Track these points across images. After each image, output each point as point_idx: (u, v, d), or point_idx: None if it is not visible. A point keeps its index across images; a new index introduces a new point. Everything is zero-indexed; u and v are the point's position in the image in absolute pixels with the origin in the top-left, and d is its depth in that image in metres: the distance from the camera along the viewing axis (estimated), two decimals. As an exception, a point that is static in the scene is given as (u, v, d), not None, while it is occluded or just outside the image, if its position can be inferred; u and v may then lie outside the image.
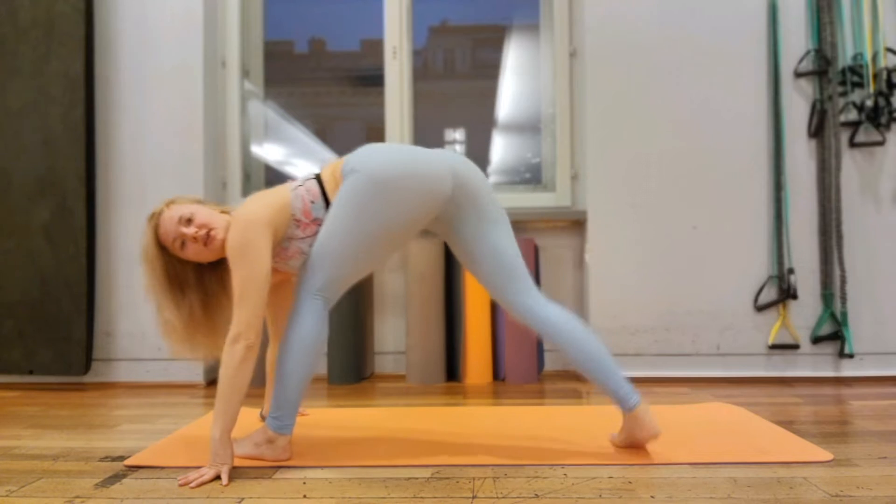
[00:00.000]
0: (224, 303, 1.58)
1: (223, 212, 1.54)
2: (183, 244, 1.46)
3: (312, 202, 1.50)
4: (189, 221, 1.45)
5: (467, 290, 2.52)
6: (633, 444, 1.52)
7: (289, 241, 1.50)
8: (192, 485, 1.31)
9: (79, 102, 2.52)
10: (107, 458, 1.53)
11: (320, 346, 1.44)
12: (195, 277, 1.53)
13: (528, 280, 1.54)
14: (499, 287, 1.52)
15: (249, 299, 1.37)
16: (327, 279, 1.44)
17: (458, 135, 3.01)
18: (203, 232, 1.44)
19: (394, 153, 1.45)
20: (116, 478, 1.37)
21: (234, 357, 1.35)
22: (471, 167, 1.54)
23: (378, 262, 1.49)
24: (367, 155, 1.46)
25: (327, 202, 1.50)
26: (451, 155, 1.52)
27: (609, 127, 2.58)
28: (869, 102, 2.46)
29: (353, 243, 1.43)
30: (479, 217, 1.52)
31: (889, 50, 2.49)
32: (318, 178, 1.53)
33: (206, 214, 1.47)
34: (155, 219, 1.47)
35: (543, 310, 1.51)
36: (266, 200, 1.46)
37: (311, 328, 1.42)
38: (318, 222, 1.50)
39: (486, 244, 1.51)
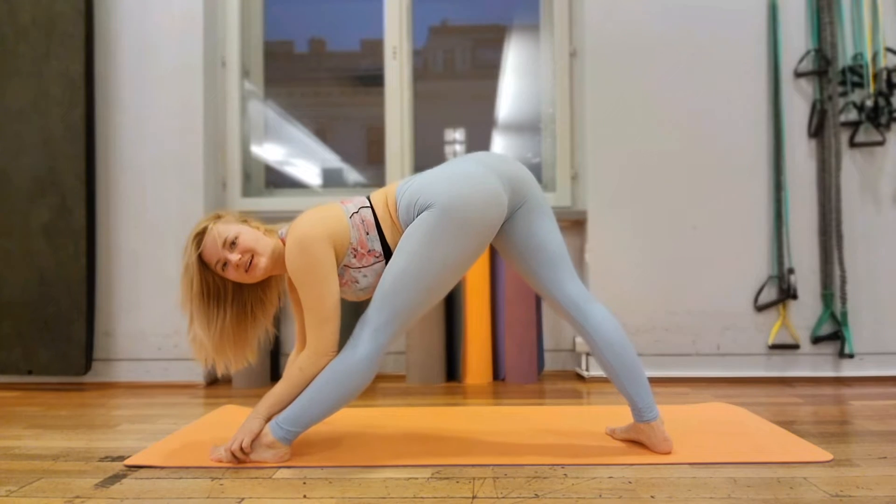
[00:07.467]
0: (259, 318, 1.58)
1: (268, 231, 1.53)
2: (225, 265, 1.45)
3: (367, 233, 1.46)
4: (233, 245, 1.44)
5: (467, 290, 2.52)
6: (632, 440, 1.55)
7: (344, 268, 1.48)
8: (223, 459, 1.43)
9: (79, 102, 2.52)
10: (107, 458, 1.53)
11: (361, 385, 1.42)
12: (234, 293, 1.53)
13: (574, 271, 1.53)
14: (545, 279, 1.51)
15: (331, 318, 1.42)
16: (394, 313, 1.41)
17: (458, 135, 3.01)
18: (246, 258, 1.44)
19: (457, 180, 1.42)
20: (116, 478, 1.37)
21: (316, 367, 1.42)
22: (511, 166, 1.51)
23: (448, 290, 1.47)
24: (434, 187, 1.42)
25: (380, 234, 1.47)
26: (493, 160, 1.49)
27: (609, 127, 2.58)
28: (869, 102, 2.46)
29: (433, 275, 1.40)
30: (528, 210, 1.50)
31: (889, 50, 2.49)
32: (370, 205, 1.50)
33: (250, 238, 1.45)
34: (199, 237, 1.46)
35: (587, 306, 1.49)
36: (321, 217, 1.44)
37: (359, 365, 1.40)
38: (373, 253, 1.47)
39: (536, 236, 1.50)
